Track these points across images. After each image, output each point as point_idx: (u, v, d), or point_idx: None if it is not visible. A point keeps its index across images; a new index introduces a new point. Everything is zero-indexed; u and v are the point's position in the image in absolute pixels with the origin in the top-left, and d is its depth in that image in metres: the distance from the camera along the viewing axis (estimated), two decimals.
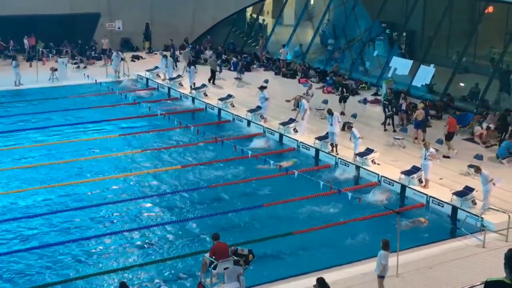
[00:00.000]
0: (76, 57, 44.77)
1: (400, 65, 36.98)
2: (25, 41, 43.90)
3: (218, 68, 39.80)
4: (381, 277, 16.89)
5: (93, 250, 19.98)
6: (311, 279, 17.32)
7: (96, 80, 38.01)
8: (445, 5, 36.81)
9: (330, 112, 27.64)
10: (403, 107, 31.33)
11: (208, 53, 44.28)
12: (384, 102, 31.93)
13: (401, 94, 32.85)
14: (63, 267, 18.97)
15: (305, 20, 46.28)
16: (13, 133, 30.63)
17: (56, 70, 39.49)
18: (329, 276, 18.04)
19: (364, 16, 42.32)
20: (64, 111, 33.79)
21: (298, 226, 21.33)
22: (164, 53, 41.58)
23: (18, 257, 19.41)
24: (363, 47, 40.93)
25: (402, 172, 24.72)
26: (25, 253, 19.62)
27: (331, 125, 27.34)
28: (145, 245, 20.30)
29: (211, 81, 38.64)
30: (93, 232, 21.04)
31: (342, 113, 31.14)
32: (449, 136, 27.83)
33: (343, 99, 33.42)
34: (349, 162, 26.49)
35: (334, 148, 27.46)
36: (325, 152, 27.65)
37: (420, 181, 24.16)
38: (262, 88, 32.53)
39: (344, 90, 33.98)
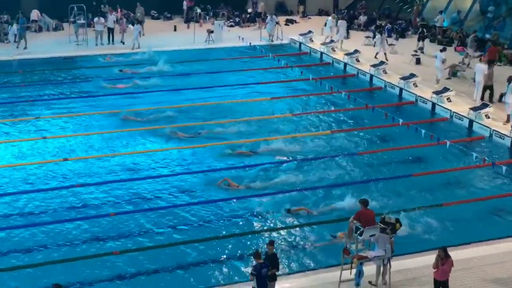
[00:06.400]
0: (231, 19, 45.67)
1: None
2: (184, 2, 45.17)
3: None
4: None
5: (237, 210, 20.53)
6: (459, 252, 17.05)
7: (250, 43, 38.58)
8: None
9: (509, 80, 26.65)
10: None
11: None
12: None
13: None
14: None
15: None
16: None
17: (212, 32, 40.48)
18: (479, 250, 17.80)
19: None
20: (217, 73, 34.54)
21: (448, 198, 20.94)
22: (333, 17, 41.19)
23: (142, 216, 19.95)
24: None
25: None
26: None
27: None
28: (287, 209, 20.30)
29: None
30: (241, 193, 21.40)
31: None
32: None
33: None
34: (504, 135, 25.56)
35: None
36: (479, 123, 26.80)
37: None
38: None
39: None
